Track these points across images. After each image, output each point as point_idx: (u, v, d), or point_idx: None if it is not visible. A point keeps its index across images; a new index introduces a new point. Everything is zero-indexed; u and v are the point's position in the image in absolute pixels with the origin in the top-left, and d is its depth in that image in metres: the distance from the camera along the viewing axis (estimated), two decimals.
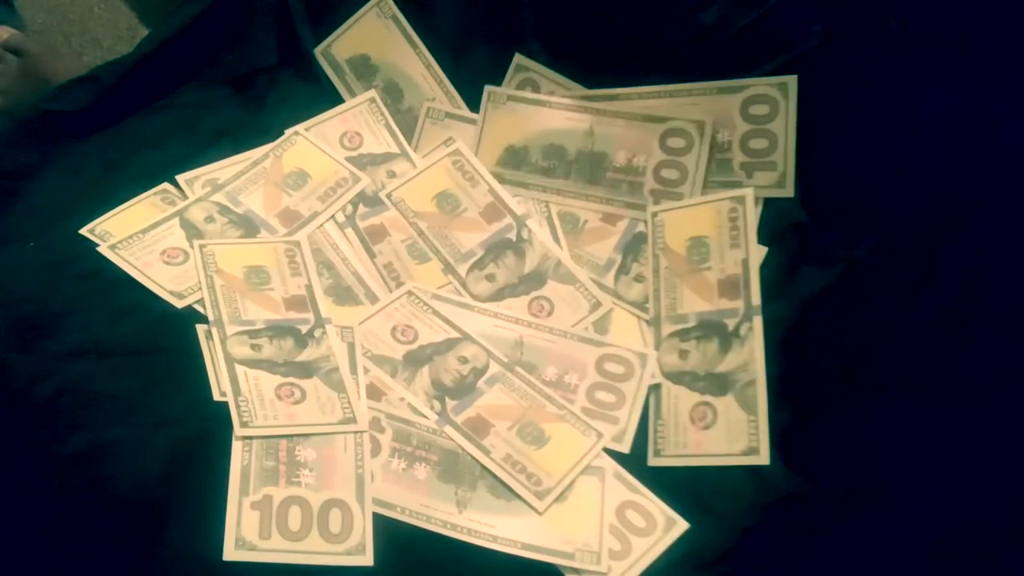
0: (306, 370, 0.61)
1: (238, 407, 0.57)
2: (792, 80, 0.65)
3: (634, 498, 0.58)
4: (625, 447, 0.61)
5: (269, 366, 0.60)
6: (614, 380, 0.63)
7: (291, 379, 0.60)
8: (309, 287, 0.65)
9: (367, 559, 0.53)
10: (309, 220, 0.69)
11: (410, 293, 0.67)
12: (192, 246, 0.65)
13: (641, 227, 0.69)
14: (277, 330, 0.62)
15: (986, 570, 0.50)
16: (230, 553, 0.52)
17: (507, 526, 0.56)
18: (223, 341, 0.60)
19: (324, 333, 0.63)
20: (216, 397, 0.58)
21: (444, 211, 0.70)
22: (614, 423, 0.61)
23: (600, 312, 0.66)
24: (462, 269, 0.68)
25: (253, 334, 0.61)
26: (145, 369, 0.60)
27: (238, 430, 0.56)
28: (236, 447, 0.56)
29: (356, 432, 0.58)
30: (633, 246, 0.69)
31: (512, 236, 0.69)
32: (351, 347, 0.63)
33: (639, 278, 0.68)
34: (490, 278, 0.68)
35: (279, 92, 0.76)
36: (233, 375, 0.59)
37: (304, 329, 0.63)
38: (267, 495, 0.54)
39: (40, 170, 0.68)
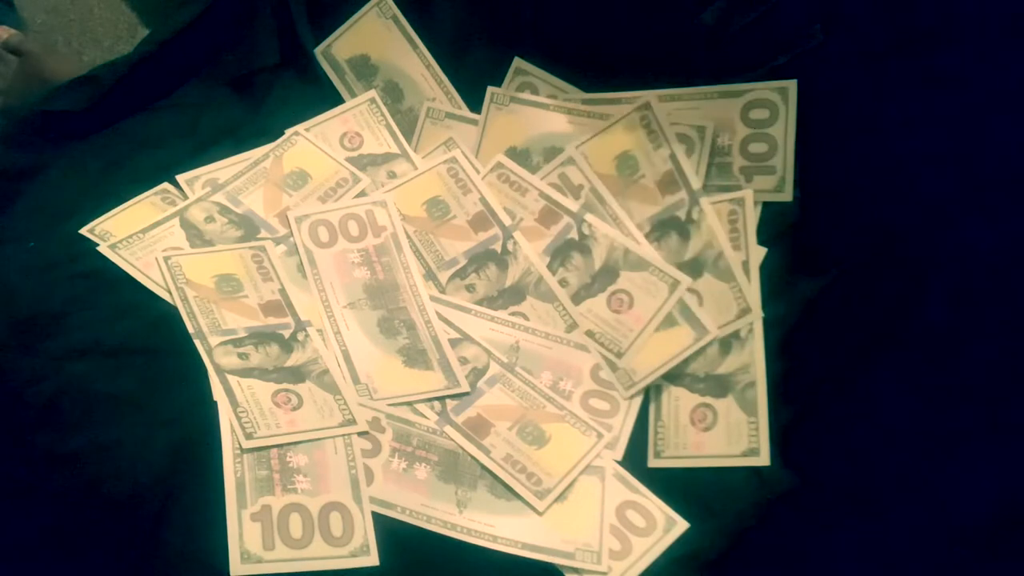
0: (297, 375, 0.61)
1: (239, 418, 0.57)
2: (792, 85, 0.65)
3: (634, 498, 0.58)
4: (618, 454, 0.61)
5: (260, 374, 0.60)
6: (608, 388, 0.63)
7: (285, 385, 0.60)
8: (283, 291, 0.65)
9: (372, 559, 0.53)
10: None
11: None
12: (157, 258, 0.64)
13: None
14: (260, 337, 0.62)
15: (986, 570, 0.50)
16: (236, 568, 0.52)
17: (507, 526, 0.56)
18: (208, 353, 0.60)
19: (307, 336, 0.63)
20: (215, 397, 0.58)
21: (433, 217, 0.70)
22: (607, 430, 0.61)
23: (575, 332, 0.66)
24: (443, 277, 0.68)
25: (237, 343, 0.61)
26: (145, 369, 0.60)
27: (243, 442, 0.56)
28: (228, 459, 0.55)
29: (357, 433, 0.58)
30: None
31: (497, 248, 0.68)
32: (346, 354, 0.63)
33: None
34: (470, 288, 0.67)
35: (279, 92, 0.76)
36: (227, 386, 0.58)
37: (286, 334, 0.63)
38: (265, 505, 0.54)
39: (40, 170, 0.68)
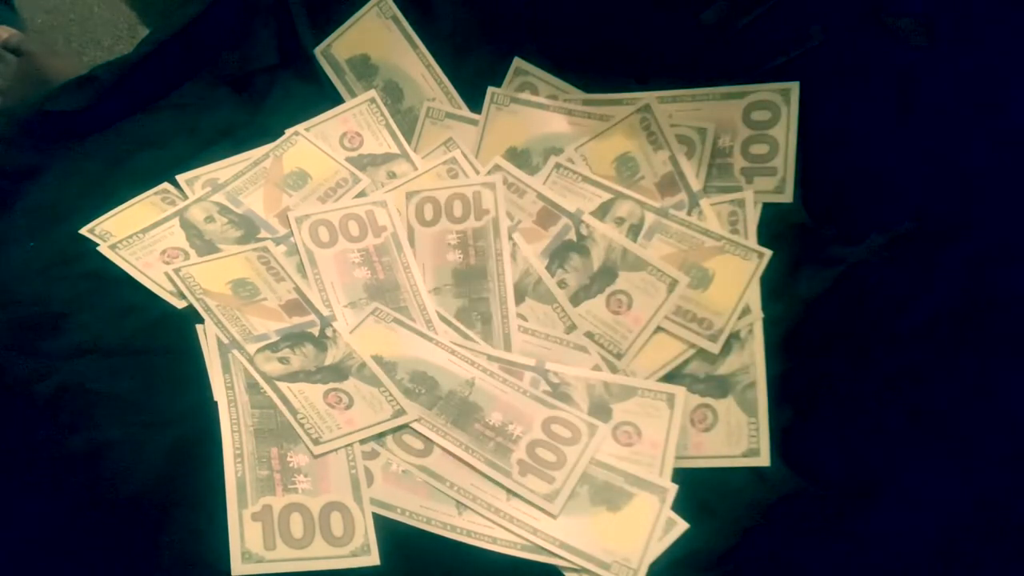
0: (339, 373, 0.61)
1: (301, 425, 0.57)
2: (794, 87, 0.66)
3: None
4: (555, 509, 0.56)
5: (306, 376, 0.60)
6: (558, 442, 0.59)
7: (332, 385, 0.60)
8: (297, 289, 0.65)
9: (373, 559, 0.53)
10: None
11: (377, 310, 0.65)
12: (168, 273, 0.63)
13: None
14: (293, 338, 0.62)
15: (986, 570, 0.50)
16: (238, 567, 0.52)
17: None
18: (250, 361, 0.60)
19: (335, 331, 0.63)
20: (215, 397, 0.58)
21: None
22: (549, 482, 0.57)
23: (574, 334, 0.64)
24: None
25: (273, 347, 0.61)
26: (145, 369, 0.60)
27: (313, 448, 0.56)
28: (228, 459, 0.55)
29: (410, 422, 0.58)
30: None
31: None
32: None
33: None
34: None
35: (279, 92, 0.76)
36: (281, 395, 0.58)
37: (315, 332, 0.63)
38: (266, 505, 0.54)
39: (40, 170, 0.68)
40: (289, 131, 0.73)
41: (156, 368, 0.61)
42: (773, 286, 0.64)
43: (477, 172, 0.71)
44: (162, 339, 0.62)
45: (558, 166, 0.70)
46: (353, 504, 0.55)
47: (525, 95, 0.73)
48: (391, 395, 0.59)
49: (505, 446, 0.58)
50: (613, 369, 0.63)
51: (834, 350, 0.61)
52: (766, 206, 0.67)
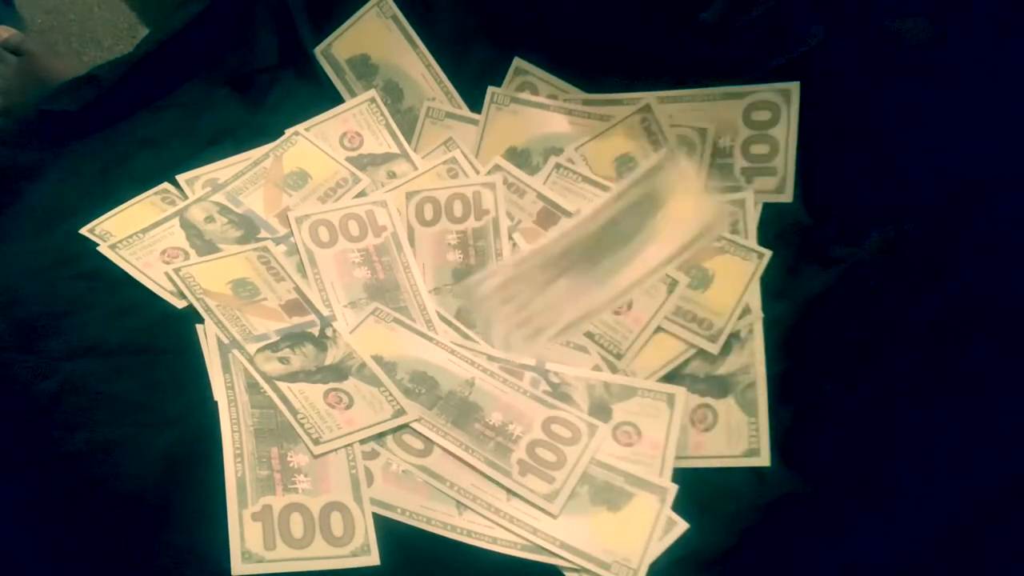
0: (340, 372, 0.61)
1: (301, 425, 0.57)
2: (795, 87, 0.66)
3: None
4: (555, 509, 0.56)
5: (306, 376, 0.60)
6: (558, 442, 0.59)
7: (332, 385, 0.60)
8: (298, 289, 0.65)
9: (373, 559, 0.53)
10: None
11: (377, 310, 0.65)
12: (168, 273, 0.63)
13: None
14: (294, 338, 0.62)
15: (985, 570, 0.50)
16: (238, 567, 0.51)
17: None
18: (250, 361, 0.60)
19: (335, 331, 0.63)
20: (215, 397, 0.58)
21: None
22: (549, 482, 0.57)
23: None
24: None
25: (273, 347, 0.61)
26: (145, 369, 0.60)
27: (313, 448, 0.56)
28: (228, 459, 0.55)
29: (410, 422, 0.58)
30: None
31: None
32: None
33: None
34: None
35: (279, 92, 0.77)
36: (281, 395, 0.58)
37: (315, 332, 0.63)
38: (266, 505, 0.54)
39: (40, 170, 0.68)
40: (289, 131, 0.73)
41: (156, 368, 0.60)
42: (773, 286, 0.64)
43: (477, 172, 0.71)
44: (162, 339, 0.62)
45: (558, 166, 0.70)
46: (353, 504, 0.55)
47: (525, 95, 0.73)
48: (391, 395, 0.59)
49: (505, 446, 0.58)
50: (613, 369, 0.63)
51: (834, 350, 0.61)
52: (766, 206, 0.67)
